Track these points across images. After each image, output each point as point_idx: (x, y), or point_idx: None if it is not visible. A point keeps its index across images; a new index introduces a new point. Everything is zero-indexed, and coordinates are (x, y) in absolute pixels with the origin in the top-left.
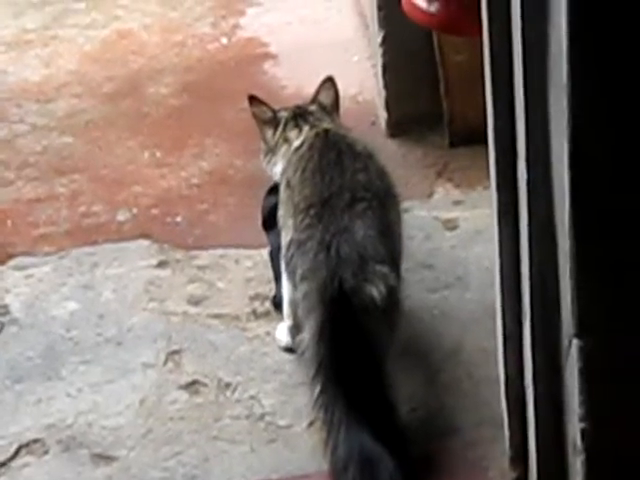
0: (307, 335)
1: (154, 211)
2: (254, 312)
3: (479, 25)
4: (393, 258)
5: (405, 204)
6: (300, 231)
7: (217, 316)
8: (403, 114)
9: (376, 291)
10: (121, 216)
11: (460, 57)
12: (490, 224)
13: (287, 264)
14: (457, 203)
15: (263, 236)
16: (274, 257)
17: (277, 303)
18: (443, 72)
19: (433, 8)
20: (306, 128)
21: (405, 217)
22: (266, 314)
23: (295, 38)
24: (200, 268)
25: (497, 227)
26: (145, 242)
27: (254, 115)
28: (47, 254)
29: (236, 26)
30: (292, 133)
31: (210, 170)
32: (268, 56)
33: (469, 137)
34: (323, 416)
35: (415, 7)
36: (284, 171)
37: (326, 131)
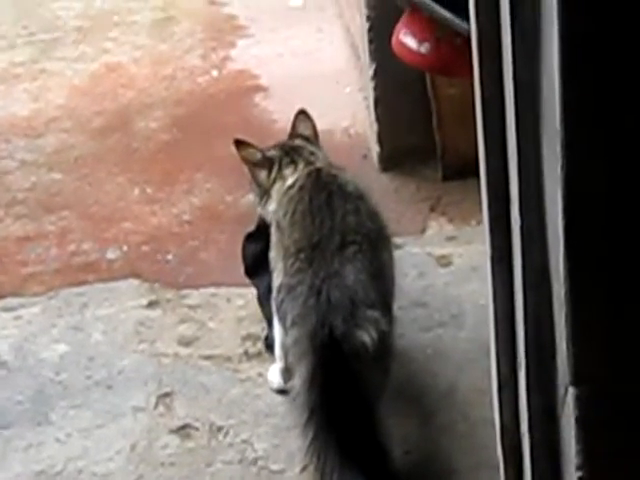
0: (298, 381)
1: (144, 248)
2: (246, 353)
3: (470, 66)
4: (385, 302)
5: (398, 240)
6: (290, 275)
7: (208, 357)
8: (395, 147)
9: (367, 337)
10: (111, 254)
11: (452, 90)
12: (485, 261)
13: (278, 309)
14: (451, 239)
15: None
16: (263, 302)
17: (269, 344)
18: (435, 105)
19: (423, 49)
20: (301, 165)
21: (398, 253)
22: (258, 355)
23: (286, 70)
24: (191, 307)
25: (491, 273)
26: (135, 281)
27: (243, 159)
28: (36, 294)
29: (226, 58)
30: (287, 170)
31: (201, 206)
32: (259, 88)
33: (462, 170)
34: (316, 463)
35: (405, 48)
36: (275, 211)
37: (318, 171)
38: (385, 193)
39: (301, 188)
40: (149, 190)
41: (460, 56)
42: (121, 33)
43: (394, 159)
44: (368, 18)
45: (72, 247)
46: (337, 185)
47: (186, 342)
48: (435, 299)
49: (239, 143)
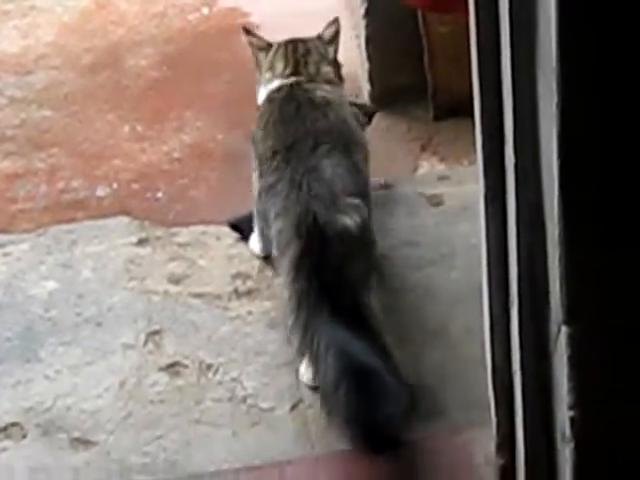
0: (284, 270)
1: (134, 186)
2: (236, 291)
3: (463, 2)
4: (362, 193)
5: (389, 179)
6: (268, 175)
7: (198, 295)
8: (387, 87)
9: (350, 220)
10: (101, 191)
11: (444, 29)
12: (476, 200)
13: (259, 212)
14: (442, 178)
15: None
16: None
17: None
18: (427, 44)
19: None
20: (290, 66)
21: (389, 193)
22: (248, 293)
23: (277, 8)
24: (181, 245)
25: (484, 212)
26: (125, 219)
27: (250, 44)
28: (25, 231)
29: None
30: (279, 64)
31: (191, 144)
32: (250, 26)
33: (454, 110)
34: (310, 351)
35: None
36: (257, 117)
37: (292, 85)
38: (376, 132)
39: (271, 101)
40: (139, 128)
41: None
42: None
43: (385, 98)
44: None
45: (61, 184)
46: (306, 97)
47: (176, 280)
48: (426, 238)
49: (247, 30)
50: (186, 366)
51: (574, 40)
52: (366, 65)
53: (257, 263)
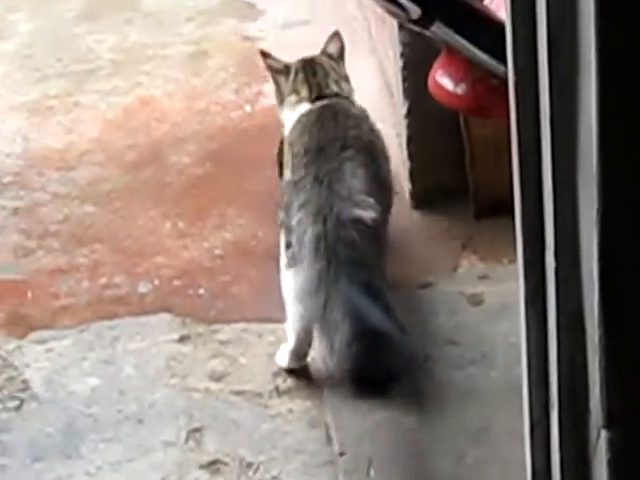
0: (303, 254)
1: (176, 282)
2: (277, 389)
3: (506, 107)
4: (381, 198)
5: (429, 278)
6: (297, 171)
7: (239, 393)
8: (428, 185)
9: (365, 213)
10: (142, 288)
11: (486, 130)
12: (516, 299)
13: (281, 206)
14: (482, 277)
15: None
16: None
17: None
18: (469, 144)
19: (460, 90)
20: (314, 90)
21: (429, 292)
22: (288, 391)
23: None
24: (222, 343)
25: (524, 314)
26: (167, 316)
27: (268, 67)
28: (67, 327)
29: (260, 93)
30: (302, 89)
31: (233, 241)
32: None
33: (494, 209)
34: (324, 321)
35: (442, 89)
36: (290, 132)
37: (322, 107)
38: (417, 231)
39: (310, 112)
40: (181, 224)
41: (496, 97)
42: (155, 67)
43: (426, 196)
44: (402, 55)
45: (104, 280)
46: (341, 109)
47: (217, 377)
48: (466, 338)
49: (265, 54)
50: (227, 464)
51: (615, 150)
52: (407, 164)
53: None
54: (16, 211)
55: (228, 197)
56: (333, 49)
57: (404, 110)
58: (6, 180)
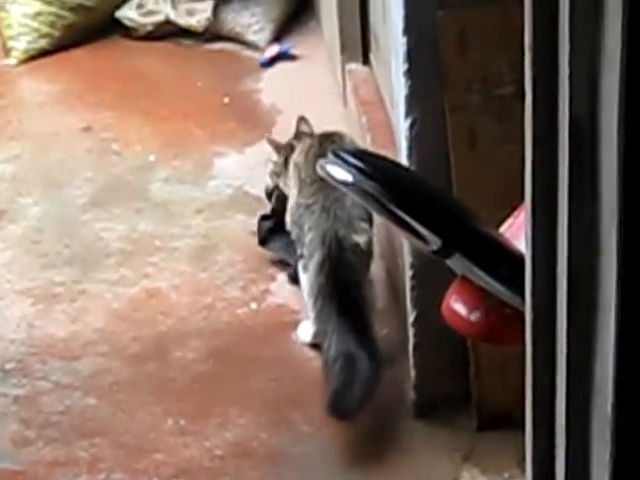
0: (311, 268)
1: None
2: None
3: (519, 336)
4: (371, 219)
5: None
6: (307, 197)
7: None
8: (431, 395)
9: (361, 239)
10: None
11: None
12: None
13: (295, 221)
14: None
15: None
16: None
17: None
18: (474, 356)
19: (473, 317)
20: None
21: None
22: None
23: None
24: None
25: None
26: None
27: (275, 148)
28: None
29: (266, 291)
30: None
31: (234, 441)
32: (298, 324)
33: (497, 421)
34: (320, 326)
35: (455, 314)
36: (295, 165)
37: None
38: (418, 439)
39: (312, 145)
40: (182, 421)
41: (509, 326)
42: (162, 259)
43: (429, 406)
44: (412, 266)
45: (102, 476)
46: (338, 140)
47: None
48: None
49: (270, 140)
50: None
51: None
52: (412, 372)
53: None
54: (17, 399)
55: (231, 396)
56: (306, 128)
57: (411, 319)
58: (8, 367)
